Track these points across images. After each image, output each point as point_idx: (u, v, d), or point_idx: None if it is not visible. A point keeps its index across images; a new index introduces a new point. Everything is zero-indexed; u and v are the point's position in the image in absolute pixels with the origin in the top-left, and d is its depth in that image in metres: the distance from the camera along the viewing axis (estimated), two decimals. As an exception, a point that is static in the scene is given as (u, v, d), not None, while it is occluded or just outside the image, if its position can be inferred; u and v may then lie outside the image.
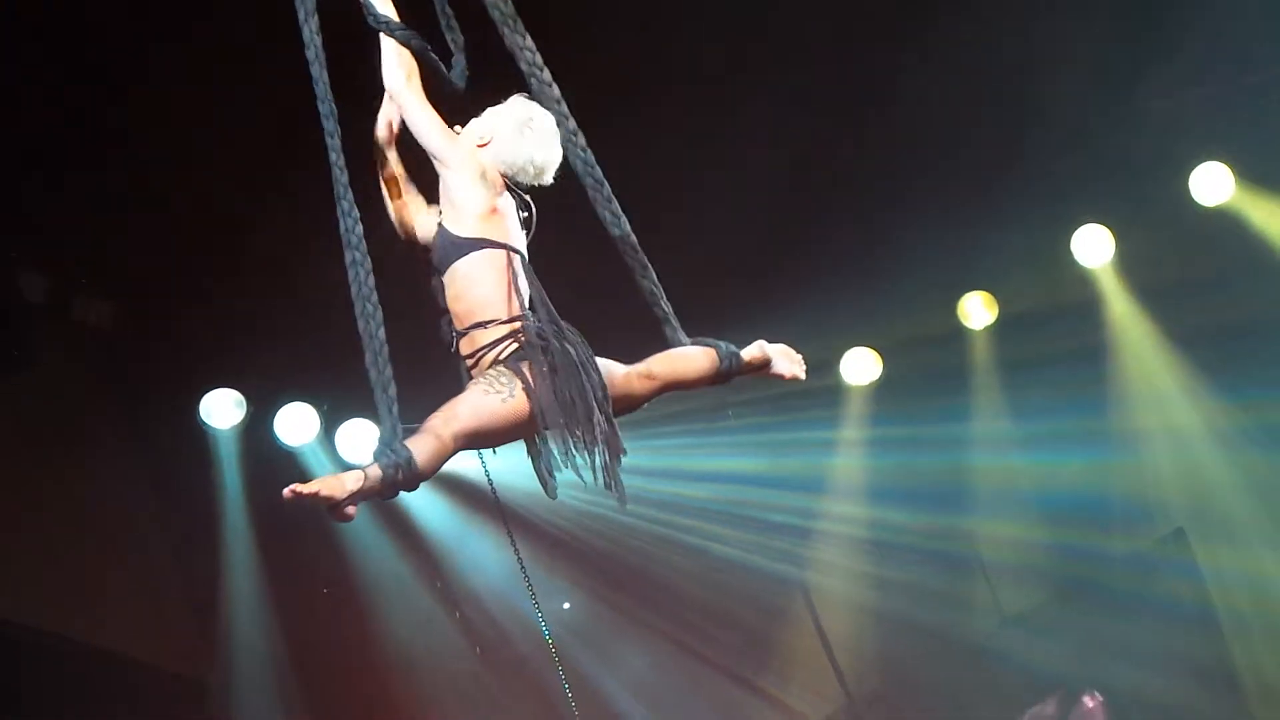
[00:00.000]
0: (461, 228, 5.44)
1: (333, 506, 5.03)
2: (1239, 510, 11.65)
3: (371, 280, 5.39)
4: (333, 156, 5.45)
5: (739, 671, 11.70)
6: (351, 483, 5.05)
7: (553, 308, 5.51)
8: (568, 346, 5.44)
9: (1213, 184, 11.20)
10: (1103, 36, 10.49)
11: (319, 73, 5.47)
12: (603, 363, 5.59)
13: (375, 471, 5.11)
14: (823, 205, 11.00)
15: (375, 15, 5.40)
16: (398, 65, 5.48)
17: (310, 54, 5.47)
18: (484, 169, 5.45)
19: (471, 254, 5.45)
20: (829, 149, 10.76)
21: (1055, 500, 11.94)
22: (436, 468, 5.30)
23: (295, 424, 10.95)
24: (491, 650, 11.73)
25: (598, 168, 5.87)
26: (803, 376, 6.13)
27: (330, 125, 5.44)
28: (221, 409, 10.71)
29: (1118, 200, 11.41)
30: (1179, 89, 10.81)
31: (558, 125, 5.71)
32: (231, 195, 9.94)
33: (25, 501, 10.30)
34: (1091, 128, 10.96)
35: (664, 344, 6.01)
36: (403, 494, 11.50)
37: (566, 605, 11.40)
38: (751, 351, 5.95)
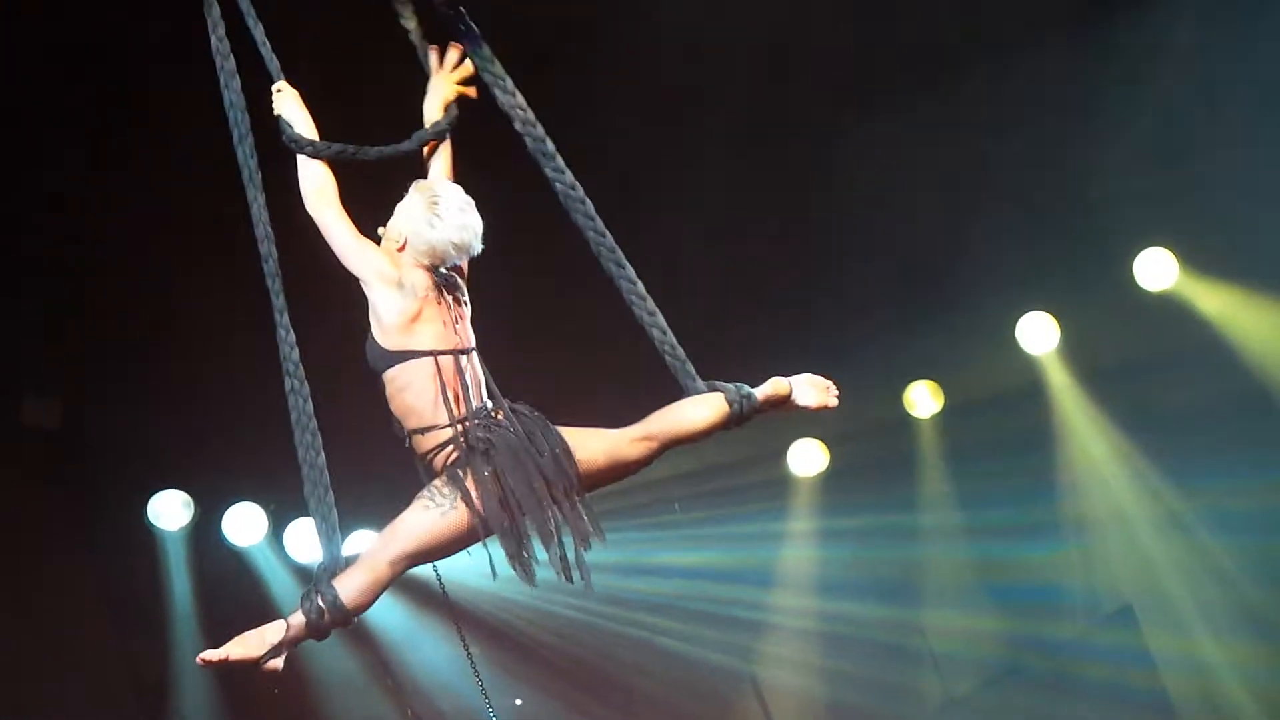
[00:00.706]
0: (386, 340, 5.38)
1: (254, 664, 4.99)
2: (1187, 595, 11.64)
3: (310, 407, 5.38)
4: (270, 282, 5.43)
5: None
6: (272, 635, 5.01)
7: (498, 396, 5.41)
8: (510, 440, 5.33)
9: (1156, 269, 11.28)
10: (1047, 124, 10.59)
11: (256, 197, 5.49)
12: (579, 434, 5.45)
13: (298, 618, 5.05)
14: (763, 294, 11.04)
15: (288, 135, 5.39)
16: (308, 181, 5.45)
17: (251, 195, 5.50)
18: (401, 277, 5.38)
19: (397, 365, 5.40)
20: (768, 237, 10.82)
21: (1003, 588, 11.93)
22: (371, 600, 5.23)
23: (243, 524, 10.90)
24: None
25: (599, 220, 5.75)
26: (833, 404, 5.89)
27: (266, 250, 5.44)
28: (169, 510, 10.69)
29: (1061, 287, 11.47)
30: (1122, 176, 10.92)
31: (562, 190, 5.68)
32: (180, 295, 9.97)
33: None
34: (1036, 215, 11.03)
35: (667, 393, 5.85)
36: None
37: (518, 701, 11.35)
38: (767, 390, 5.70)
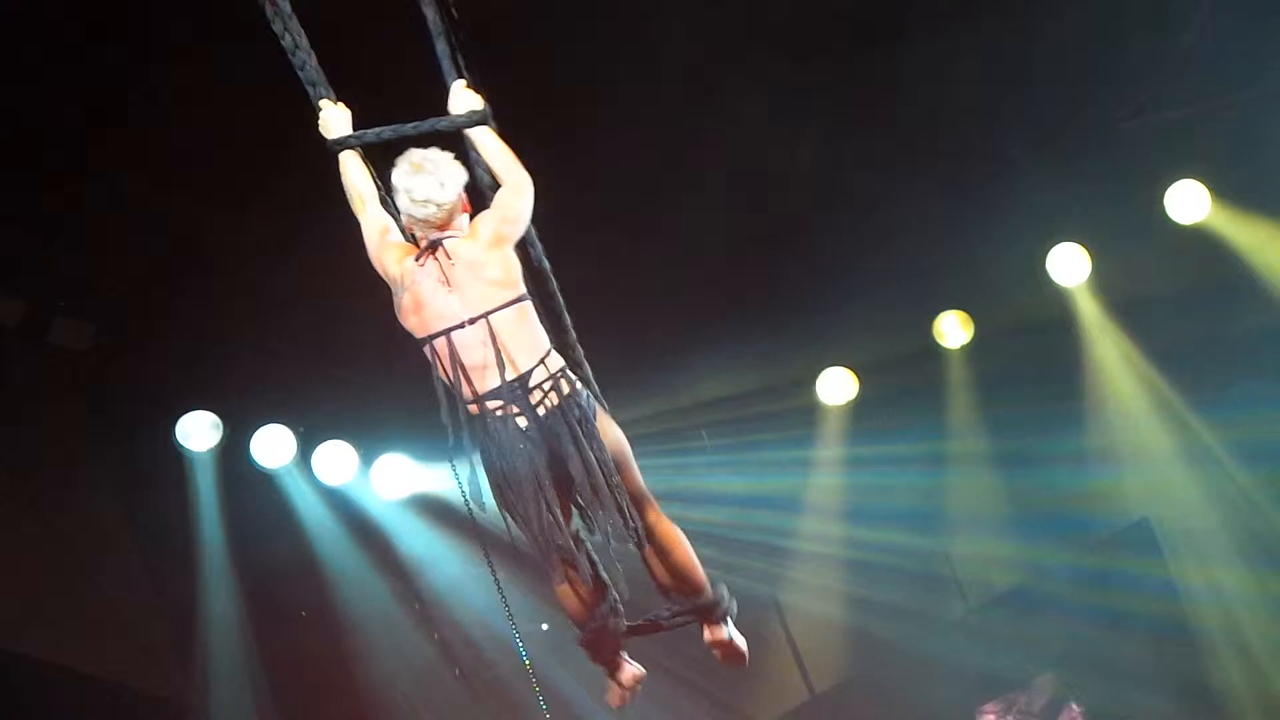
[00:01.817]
0: (406, 325, 5.52)
1: None
2: (1214, 525, 11.68)
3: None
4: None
5: (709, 687, 11.72)
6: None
7: (550, 358, 5.42)
8: (513, 440, 5.38)
9: (1189, 202, 11.25)
10: (1081, 55, 10.55)
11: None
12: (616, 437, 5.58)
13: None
14: (800, 224, 11.06)
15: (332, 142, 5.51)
16: (350, 190, 5.58)
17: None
18: (388, 271, 5.48)
19: (422, 348, 5.50)
20: (806, 167, 10.84)
21: (1029, 516, 12.02)
22: None
23: (272, 446, 10.98)
24: (470, 671, 11.78)
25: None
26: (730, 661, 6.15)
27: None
28: (198, 431, 10.74)
29: (1094, 219, 11.48)
30: (1156, 108, 10.89)
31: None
32: (211, 218, 10.00)
33: (-1, 525, 10.38)
34: (1069, 147, 11.01)
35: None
36: (381, 516, 11.36)
37: (545, 626, 11.44)
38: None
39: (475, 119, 5.49)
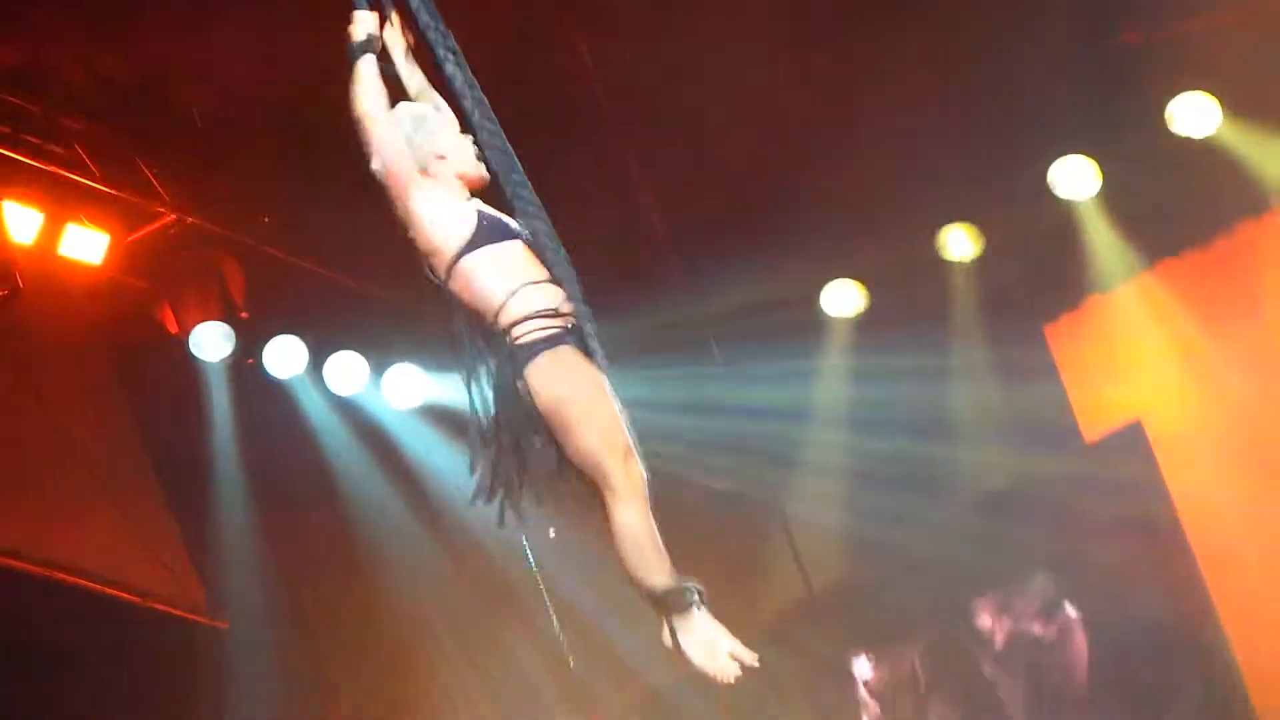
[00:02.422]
0: None
1: None
2: (1212, 434, 11.83)
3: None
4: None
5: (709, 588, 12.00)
6: None
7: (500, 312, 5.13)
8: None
9: (1198, 115, 11.26)
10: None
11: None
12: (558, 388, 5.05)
13: None
14: (806, 136, 11.16)
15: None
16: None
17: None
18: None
19: None
20: (813, 77, 10.88)
21: (1026, 423, 12.17)
22: None
23: (283, 356, 11.14)
24: (480, 576, 12.10)
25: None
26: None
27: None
28: (211, 341, 10.90)
29: (1102, 132, 11.48)
30: (1163, 21, 10.91)
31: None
32: (221, 132, 10.12)
33: (11, 433, 10.53)
34: (1075, 60, 11.04)
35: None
36: (389, 421, 11.52)
37: (552, 532, 11.67)
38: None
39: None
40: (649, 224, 11.49)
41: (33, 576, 10.44)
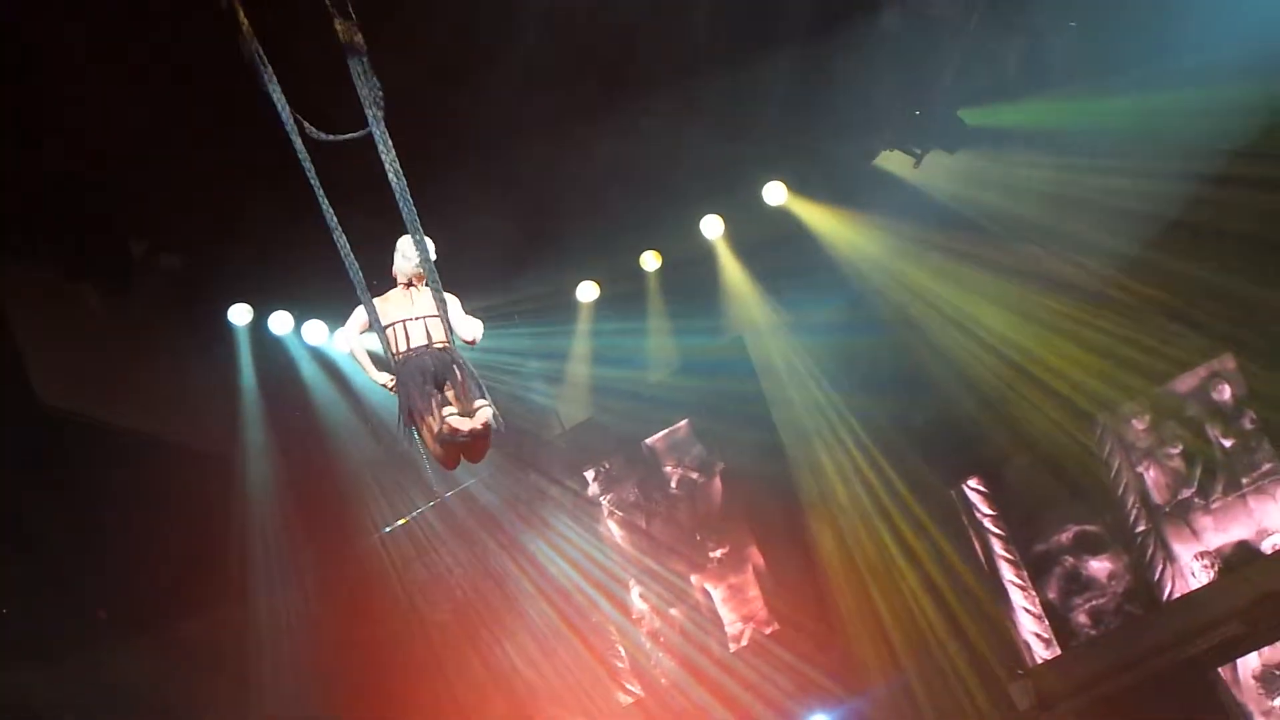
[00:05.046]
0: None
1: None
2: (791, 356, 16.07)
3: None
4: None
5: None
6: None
7: (438, 341, 7.79)
8: (417, 363, 7.68)
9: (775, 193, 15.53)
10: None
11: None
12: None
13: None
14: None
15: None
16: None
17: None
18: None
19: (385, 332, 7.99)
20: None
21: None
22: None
23: (280, 322, 15.16)
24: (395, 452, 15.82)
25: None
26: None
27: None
28: (239, 315, 15.12)
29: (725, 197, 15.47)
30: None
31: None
32: (235, 145, 12.11)
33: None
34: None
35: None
36: (342, 361, 16.17)
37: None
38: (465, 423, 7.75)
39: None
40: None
41: (98, 426, 12.83)
